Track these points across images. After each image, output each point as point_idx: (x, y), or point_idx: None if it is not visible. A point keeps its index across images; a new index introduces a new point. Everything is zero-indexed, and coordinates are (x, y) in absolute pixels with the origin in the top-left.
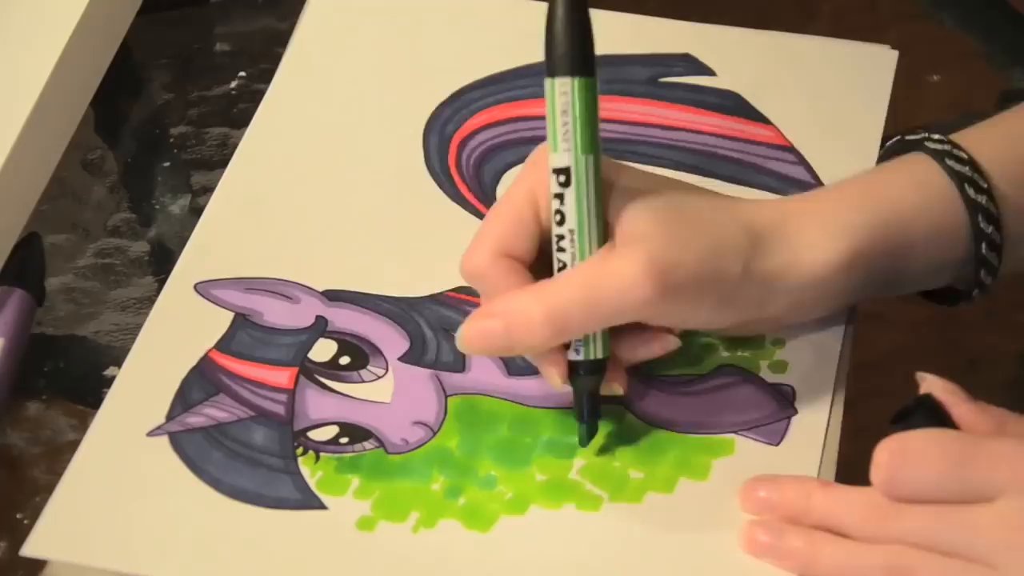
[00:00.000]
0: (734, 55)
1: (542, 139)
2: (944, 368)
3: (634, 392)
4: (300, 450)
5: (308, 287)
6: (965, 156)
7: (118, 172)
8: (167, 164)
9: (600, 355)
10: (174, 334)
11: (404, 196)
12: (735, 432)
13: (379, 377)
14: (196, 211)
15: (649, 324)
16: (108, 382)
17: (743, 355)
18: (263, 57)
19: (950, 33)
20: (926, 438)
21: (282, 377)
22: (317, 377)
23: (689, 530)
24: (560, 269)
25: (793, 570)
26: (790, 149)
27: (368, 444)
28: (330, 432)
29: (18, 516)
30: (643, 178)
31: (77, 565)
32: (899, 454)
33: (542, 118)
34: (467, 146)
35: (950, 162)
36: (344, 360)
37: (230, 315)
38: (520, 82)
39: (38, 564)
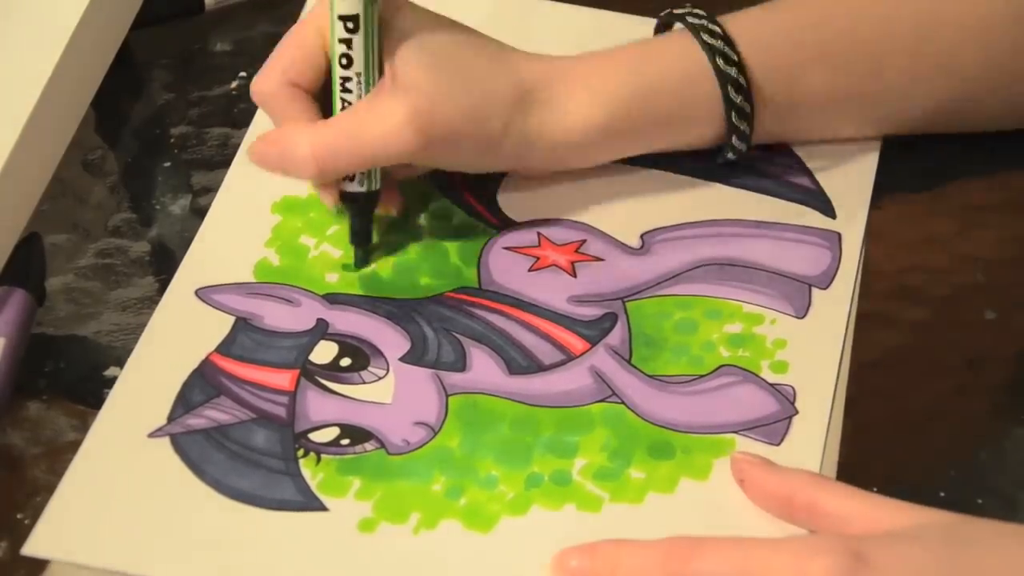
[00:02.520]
0: None
1: None
2: (944, 368)
3: (635, 392)
4: (301, 452)
5: (308, 290)
6: (719, 30)
7: (118, 172)
8: (167, 164)
9: (371, 188)
10: (175, 337)
11: (403, 194)
12: (736, 432)
13: (380, 378)
14: (197, 211)
15: (417, 165)
16: (108, 382)
17: (744, 355)
18: (263, 57)
19: None
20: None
21: (283, 379)
22: (318, 379)
23: (690, 531)
24: (343, 108)
25: None
26: (790, 153)
27: (369, 445)
28: (331, 434)
29: (18, 516)
30: (421, 18)
31: (78, 565)
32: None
33: None
34: None
35: (705, 36)
36: (345, 362)
37: (231, 319)
38: None
39: (39, 564)
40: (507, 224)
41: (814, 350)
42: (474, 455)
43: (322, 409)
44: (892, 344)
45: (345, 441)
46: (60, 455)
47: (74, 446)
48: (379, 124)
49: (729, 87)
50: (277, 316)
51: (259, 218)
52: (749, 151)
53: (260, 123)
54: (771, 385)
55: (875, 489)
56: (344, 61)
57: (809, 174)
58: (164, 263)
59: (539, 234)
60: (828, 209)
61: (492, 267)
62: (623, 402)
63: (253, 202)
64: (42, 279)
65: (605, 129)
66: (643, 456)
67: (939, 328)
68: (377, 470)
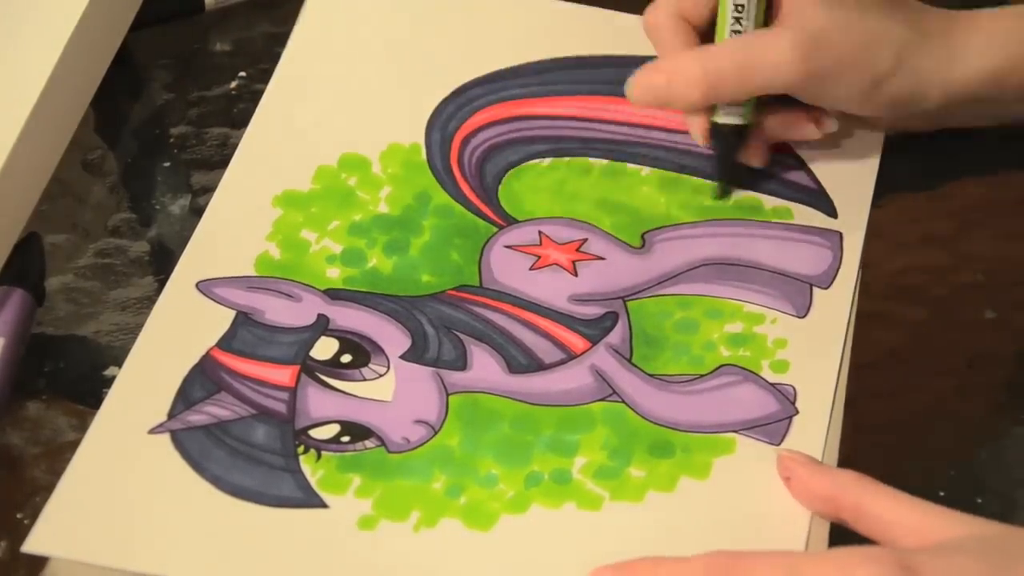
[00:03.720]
0: None
1: (543, 139)
2: (944, 368)
3: (636, 391)
4: (301, 448)
5: (309, 286)
6: None
7: (118, 172)
8: (167, 164)
9: (742, 121)
10: (176, 332)
11: (406, 195)
12: (736, 432)
13: (380, 375)
14: (196, 211)
15: (804, 101)
16: (108, 382)
17: (745, 355)
18: (263, 57)
19: None
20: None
21: (283, 375)
22: (319, 375)
23: (690, 529)
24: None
25: None
26: (790, 153)
27: (369, 443)
28: (331, 431)
29: (18, 516)
30: None
31: (78, 562)
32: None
33: (544, 118)
34: (469, 144)
35: None
36: (346, 358)
37: (232, 314)
38: (521, 80)
39: (39, 564)
40: (509, 222)
41: (815, 350)
42: (474, 454)
43: (322, 405)
44: (892, 344)
45: (345, 438)
46: (60, 455)
47: (74, 446)
48: (768, 50)
49: None
50: (278, 311)
51: (260, 212)
52: None
53: (260, 121)
54: (772, 385)
55: None
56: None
57: (810, 173)
58: (164, 263)
59: (540, 232)
60: (830, 208)
61: (493, 265)
62: (623, 401)
63: (254, 196)
64: (42, 279)
65: (999, 80)
66: (643, 455)
67: (939, 328)
68: (377, 468)
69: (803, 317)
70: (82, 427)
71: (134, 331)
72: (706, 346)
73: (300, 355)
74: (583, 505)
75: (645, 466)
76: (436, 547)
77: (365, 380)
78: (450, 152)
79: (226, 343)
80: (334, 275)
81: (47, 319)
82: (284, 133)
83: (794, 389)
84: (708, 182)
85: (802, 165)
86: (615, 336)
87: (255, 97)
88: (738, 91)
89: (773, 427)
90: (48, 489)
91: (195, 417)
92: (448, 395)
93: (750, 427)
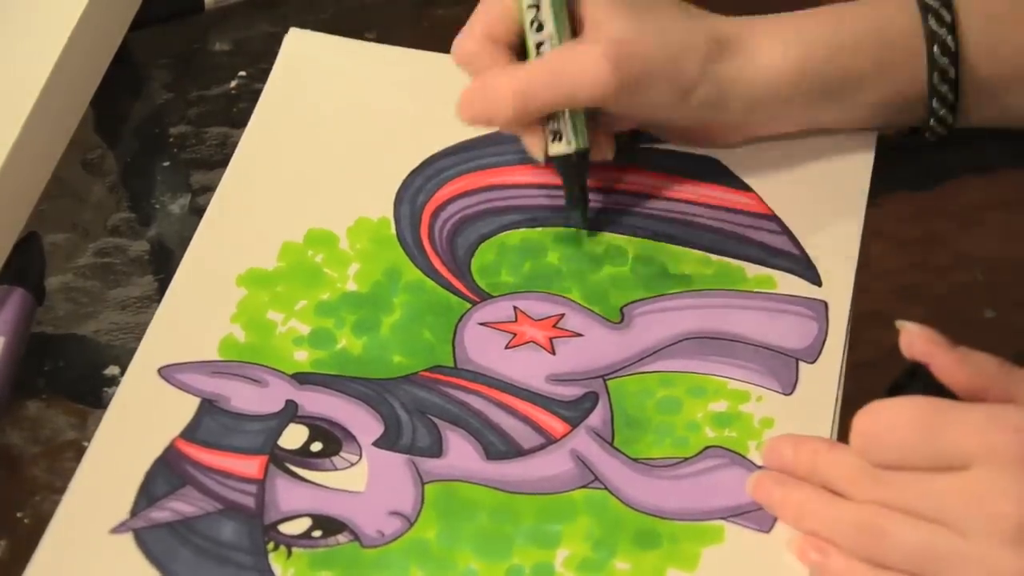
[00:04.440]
0: None
1: (516, 208)
2: None
3: (619, 477)
4: (271, 545)
5: (277, 370)
6: None
7: (118, 172)
8: (167, 164)
9: (579, 146)
10: (137, 422)
11: (375, 271)
12: (724, 519)
13: (352, 464)
14: (196, 211)
15: (613, 112)
16: (108, 382)
17: (730, 436)
18: (262, 57)
19: None
20: (899, 408)
21: (251, 467)
22: (288, 466)
23: None
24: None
25: (785, 520)
26: (772, 217)
27: (342, 537)
28: (302, 525)
29: (18, 515)
30: None
31: None
32: (872, 423)
33: (516, 187)
34: (439, 217)
35: None
36: (316, 446)
37: (196, 401)
38: (492, 149)
39: None
40: (482, 297)
41: (803, 429)
42: (452, 547)
43: (292, 498)
44: (892, 344)
45: (317, 533)
46: (59, 454)
47: (73, 445)
48: (578, 61)
49: (936, 47)
50: (244, 397)
51: (224, 292)
52: (952, 128)
53: (220, 200)
54: (759, 468)
55: None
56: (536, 25)
57: (793, 238)
58: (163, 262)
59: (515, 308)
60: (814, 276)
61: (468, 344)
62: (606, 488)
63: (217, 274)
64: (41, 278)
65: (797, 81)
66: (628, 546)
67: (939, 328)
68: (351, 564)
69: (790, 394)
70: (81, 426)
71: (134, 330)
72: (690, 427)
73: (268, 444)
74: None
75: (631, 558)
76: None
77: (337, 469)
78: (420, 225)
79: (190, 433)
80: (302, 358)
81: (47, 318)
82: (248, 208)
83: None
84: (689, 250)
85: (783, 230)
86: (596, 418)
87: (255, 97)
88: (549, 104)
89: (762, 513)
90: (48, 489)
91: (159, 514)
92: (423, 484)
93: (738, 514)
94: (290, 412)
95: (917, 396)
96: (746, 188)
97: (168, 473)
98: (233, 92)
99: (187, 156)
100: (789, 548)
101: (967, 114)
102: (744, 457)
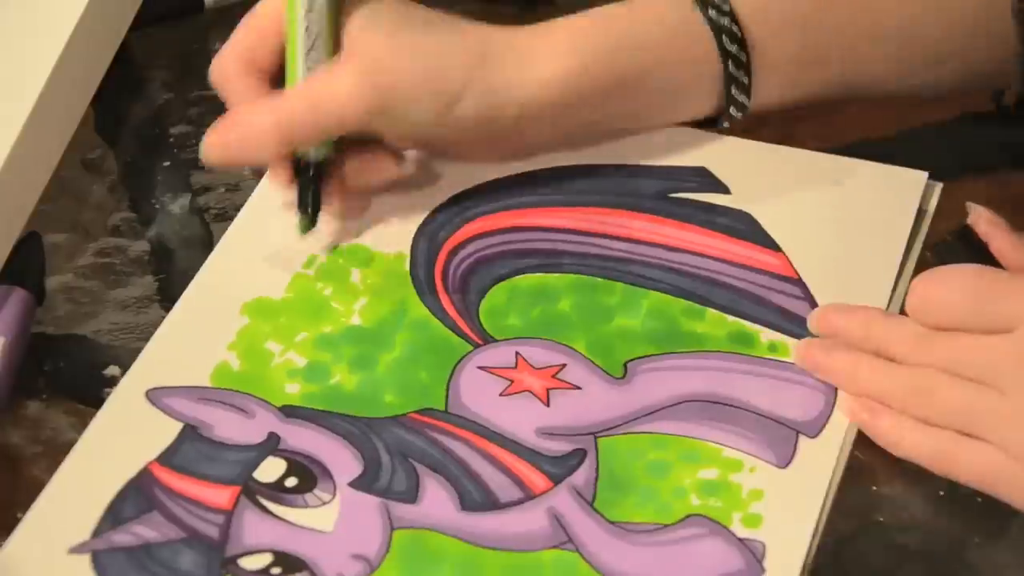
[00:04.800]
0: (753, 170)
1: (535, 252)
2: None
3: (593, 540)
4: None
5: (265, 401)
6: None
7: (118, 172)
8: (167, 164)
9: (319, 157)
10: (116, 442)
11: (382, 307)
12: None
13: (324, 503)
14: (196, 210)
15: (379, 136)
16: (108, 381)
17: (716, 505)
18: None
19: None
20: (956, 273)
21: (222, 497)
22: (259, 499)
23: None
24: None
25: (836, 384)
26: (796, 282)
27: None
28: (263, 560)
29: (18, 515)
30: None
31: None
32: (930, 286)
33: (538, 229)
34: (457, 255)
35: None
36: (290, 482)
37: (179, 426)
38: (520, 189)
39: None
40: (486, 340)
41: (792, 505)
42: None
43: (258, 532)
44: None
45: (276, 570)
46: (59, 454)
47: (73, 445)
48: (334, 89)
49: (724, 37)
50: (228, 426)
51: (226, 318)
52: (746, 115)
53: (241, 224)
54: (740, 540)
55: (873, 488)
56: (307, 33)
57: (815, 306)
58: (163, 262)
59: (517, 354)
60: None
61: (462, 388)
62: (578, 550)
63: (223, 300)
64: (42, 278)
65: (578, 84)
66: None
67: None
68: None
69: (784, 467)
70: (82, 426)
71: (134, 330)
72: (676, 492)
73: (243, 475)
74: None
75: None
76: None
77: (308, 507)
78: (436, 263)
79: (167, 458)
80: (293, 391)
81: (47, 318)
82: (265, 236)
83: (763, 546)
84: (705, 308)
85: (807, 296)
86: (579, 476)
87: None
88: (312, 135)
89: None
90: None
91: (120, 537)
92: (393, 529)
93: None
94: (271, 445)
95: (973, 264)
96: (776, 248)
97: (138, 496)
98: None
99: (187, 156)
100: (840, 408)
101: (761, 96)
102: (726, 528)
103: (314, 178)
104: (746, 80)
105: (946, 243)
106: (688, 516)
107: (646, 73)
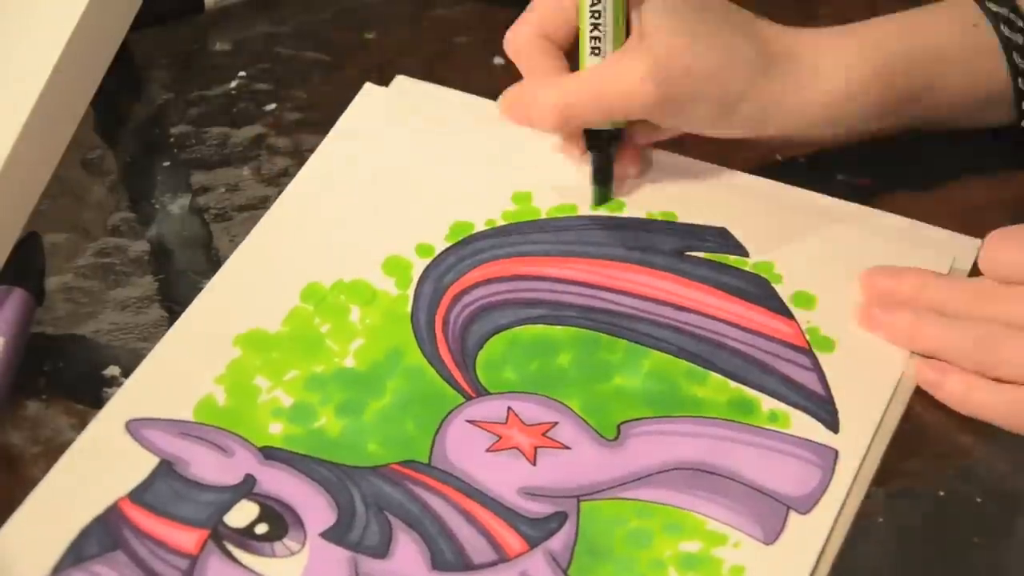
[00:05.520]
0: (774, 235)
1: (541, 303)
2: None
3: None
4: None
5: (246, 440)
6: None
7: (118, 172)
8: (167, 164)
9: (610, 128)
10: (88, 474)
11: (377, 350)
12: None
13: (293, 553)
14: (196, 211)
15: (658, 124)
16: (108, 382)
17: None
18: (263, 57)
19: None
20: (1022, 229)
21: (189, 540)
22: (226, 544)
23: None
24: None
25: (898, 343)
26: (806, 352)
27: None
28: None
29: None
30: None
31: None
32: (1001, 239)
33: (547, 279)
34: (460, 301)
35: (989, 3)
36: (260, 528)
37: (155, 461)
38: (535, 236)
39: None
40: (479, 392)
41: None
42: None
43: None
44: None
45: None
46: (59, 454)
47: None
48: (621, 79)
49: (1015, 53)
50: (204, 465)
51: (217, 349)
52: None
53: (245, 252)
54: None
55: (873, 488)
56: (594, 16)
57: (822, 376)
58: (163, 262)
59: (509, 409)
60: (832, 422)
61: (448, 441)
62: None
63: (217, 329)
64: (41, 278)
65: (859, 100)
66: None
67: None
68: None
69: (771, 544)
70: (81, 427)
71: (134, 331)
72: (654, 565)
73: (213, 519)
74: None
75: None
76: None
77: (275, 556)
78: (438, 307)
79: (139, 495)
80: (276, 431)
81: (47, 319)
82: (267, 265)
83: None
84: (708, 372)
85: (815, 367)
86: (557, 541)
87: (255, 96)
88: (593, 118)
89: None
90: None
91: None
92: None
93: None
94: (246, 487)
95: None
96: (789, 316)
97: (102, 534)
98: (233, 92)
99: (187, 156)
100: (906, 370)
101: None
102: None
103: (608, 152)
104: None
105: None
106: None
107: (933, 86)
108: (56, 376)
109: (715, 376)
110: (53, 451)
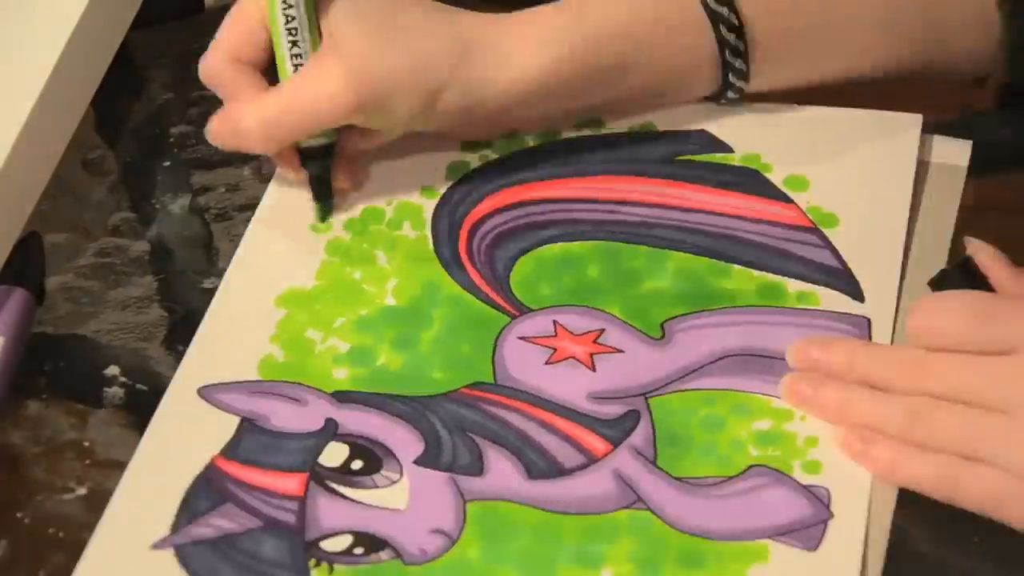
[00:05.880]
0: (751, 130)
1: (555, 223)
2: None
3: (662, 497)
4: (313, 562)
5: (316, 388)
6: None
7: (118, 172)
8: (167, 164)
9: (324, 140)
10: (177, 441)
11: (413, 285)
12: (770, 538)
13: (394, 482)
14: (196, 210)
15: (364, 126)
16: (108, 381)
17: (775, 454)
18: None
19: None
20: (956, 295)
21: (291, 484)
22: (328, 483)
23: None
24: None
25: (827, 420)
26: (813, 230)
27: (384, 554)
28: (344, 542)
29: (18, 515)
30: None
31: None
32: (930, 306)
33: (554, 201)
34: (478, 231)
35: None
36: (356, 464)
37: (236, 420)
38: (530, 162)
39: (39, 563)
40: (521, 311)
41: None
42: (495, 566)
43: (334, 515)
44: None
45: (359, 550)
46: (59, 454)
47: (73, 445)
48: (319, 86)
49: (721, 26)
50: (284, 416)
51: (263, 312)
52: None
53: (261, 218)
54: (804, 487)
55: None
56: (290, 33)
57: (835, 252)
58: (163, 262)
59: (555, 322)
60: (855, 291)
61: (507, 359)
62: (649, 508)
63: (255, 296)
64: (42, 278)
65: (555, 76)
66: (673, 566)
67: None
68: None
69: None
70: (82, 426)
71: (134, 330)
72: (734, 445)
73: (308, 462)
74: None
75: None
76: None
77: (378, 487)
78: (458, 240)
79: (231, 451)
80: (341, 376)
81: (47, 319)
82: (286, 227)
83: (828, 491)
84: (730, 265)
85: (825, 243)
86: (638, 437)
87: None
88: (296, 130)
89: (807, 532)
90: (48, 489)
91: (200, 530)
92: (466, 502)
93: (783, 532)
94: (330, 430)
95: (972, 290)
96: (787, 200)
97: (209, 490)
98: None
99: (187, 156)
100: (835, 442)
101: (757, 82)
102: (789, 476)
103: (321, 166)
104: (744, 67)
105: (945, 272)
106: (750, 467)
107: (631, 62)
108: (56, 376)
109: (737, 268)
110: (53, 451)
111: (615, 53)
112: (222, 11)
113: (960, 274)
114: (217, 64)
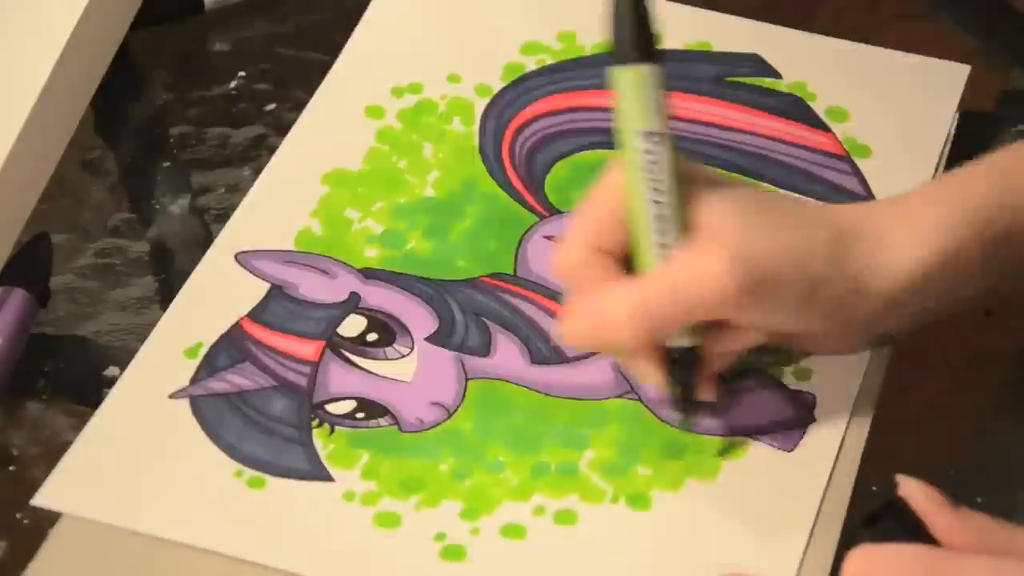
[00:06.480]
0: (803, 59)
1: (599, 130)
2: (944, 368)
3: (651, 391)
4: (316, 422)
5: (346, 263)
6: None
7: (118, 172)
8: (167, 164)
9: (691, 342)
10: (209, 300)
11: (453, 180)
12: (750, 436)
13: (403, 356)
14: (196, 211)
15: (738, 324)
16: (108, 382)
17: (767, 359)
18: (263, 57)
19: (950, 33)
20: (894, 555)
21: (308, 349)
22: (343, 352)
23: (691, 529)
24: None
25: None
26: (845, 159)
27: (383, 421)
28: (347, 406)
29: (18, 515)
30: (711, 173)
31: (86, 520)
32: (863, 561)
33: (600, 109)
34: (522, 133)
35: None
36: (371, 336)
37: (266, 286)
38: (583, 71)
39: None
40: (552, 212)
41: (840, 359)
42: (485, 440)
43: (342, 381)
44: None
45: (360, 415)
46: (59, 454)
47: (73, 443)
48: (698, 270)
49: None
50: (312, 286)
51: (308, 187)
52: None
53: (321, 98)
54: (792, 391)
55: (873, 489)
56: (659, 220)
57: (862, 181)
58: (163, 263)
59: None
60: None
61: (529, 255)
62: (640, 399)
63: (304, 170)
64: (47, 279)
65: (939, 262)
66: (653, 454)
67: (939, 326)
68: (387, 445)
69: None
70: (82, 427)
71: (134, 331)
72: None
73: (328, 331)
74: (587, 498)
75: (653, 465)
76: (435, 527)
77: (388, 359)
78: (503, 141)
79: (257, 314)
80: (372, 255)
81: (47, 319)
82: (341, 111)
83: (814, 397)
84: (757, 182)
85: (855, 172)
86: None
87: (255, 97)
88: (672, 323)
89: (788, 435)
90: None
91: (217, 384)
92: (468, 380)
93: (764, 432)
94: (352, 303)
95: (911, 545)
96: (826, 128)
97: (231, 348)
98: (233, 92)
99: (187, 156)
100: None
101: None
102: (778, 381)
103: (687, 369)
104: None
105: (876, 516)
106: (742, 371)
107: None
108: (56, 376)
109: (764, 185)
110: (53, 451)
111: (1011, 237)
112: (222, 11)
113: (894, 517)
114: (578, 255)
